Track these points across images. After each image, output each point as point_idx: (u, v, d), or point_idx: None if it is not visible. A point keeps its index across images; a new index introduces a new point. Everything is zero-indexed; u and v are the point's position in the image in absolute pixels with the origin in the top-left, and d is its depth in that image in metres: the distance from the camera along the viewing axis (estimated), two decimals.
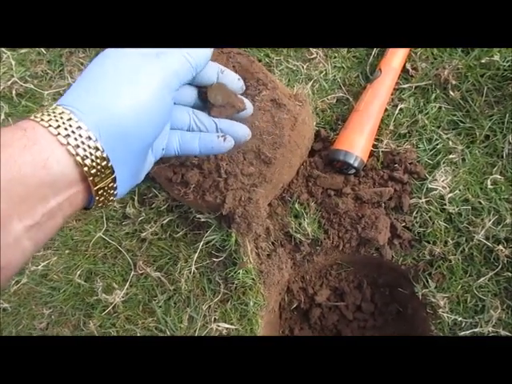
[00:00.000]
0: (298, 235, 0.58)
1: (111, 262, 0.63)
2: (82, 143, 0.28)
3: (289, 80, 0.64)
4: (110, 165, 0.30)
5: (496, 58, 0.56)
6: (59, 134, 0.28)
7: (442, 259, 0.56)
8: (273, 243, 0.60)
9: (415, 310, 0.61)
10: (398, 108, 0.59)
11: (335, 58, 0.64)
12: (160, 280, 0.61)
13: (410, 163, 0.57)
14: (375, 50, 0.62)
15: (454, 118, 0.58)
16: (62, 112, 0.29)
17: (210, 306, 0.59)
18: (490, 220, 0.54)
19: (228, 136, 0.41)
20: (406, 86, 0.60)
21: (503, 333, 0.52)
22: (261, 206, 0.54)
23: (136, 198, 0.62)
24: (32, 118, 0.29)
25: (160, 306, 0.60)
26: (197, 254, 0.59)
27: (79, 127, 0.29)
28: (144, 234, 0.61)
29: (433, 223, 0.56)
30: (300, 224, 0.58)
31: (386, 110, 0.60)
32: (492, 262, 0.54)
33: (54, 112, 0.29)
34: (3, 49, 0.69)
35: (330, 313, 0.66)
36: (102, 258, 0.63)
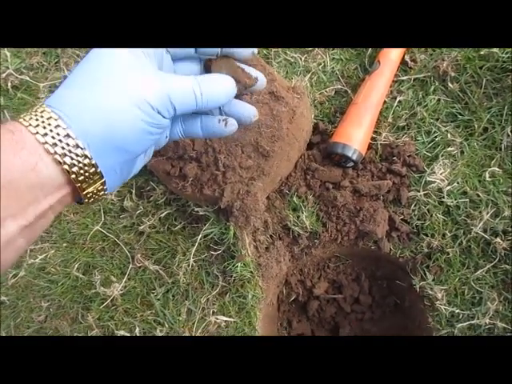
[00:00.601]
0: (296, 228, 0.58)
1: (109, 255, 0.63)
2: (70, 152, 0.28)
3: (287, 72, 0.63)
4: (98, 171, 0.30)
5: (495, 49, 0.56)
6: (46, 142, 0.27)
7: (440, 252, 0.56)
8: (271, 236, 0.60)
9: (413, 302, 0.61)
10: (397, 100, 0.59)
11: (333, 49, 0.63)
12: (158, 273, 0.61)
13: (408, 156, 0.57)
14: None
15: (453, 110, 0.58)
16: (50, 117, 0.28)
17: (208, 299, 0.59)
18: (487, 213, 0.54)
19: (230, 119, 0.37)
20: (404, 78, 0.60)
21: (500, 324, 0.52)
22: (259, 199, 0.53)
23: (134, 192, 0.62)
24: (20, 120, 0.28)
25: (158, 299, 0.60)
26: (195, 247, 0.59)
27: (67, 135, 0.28)
28: (142, 227, 0.61)
29: (431, 216, 0.56)
30: (298, 217, 0.58)
31: (385, 102, 0.59)
32: (489, 255, 0.54)
33: (42, 116, 0.28)
34: None
35: (327, 305, 0.66)
36: (100, 251, 0.63)
